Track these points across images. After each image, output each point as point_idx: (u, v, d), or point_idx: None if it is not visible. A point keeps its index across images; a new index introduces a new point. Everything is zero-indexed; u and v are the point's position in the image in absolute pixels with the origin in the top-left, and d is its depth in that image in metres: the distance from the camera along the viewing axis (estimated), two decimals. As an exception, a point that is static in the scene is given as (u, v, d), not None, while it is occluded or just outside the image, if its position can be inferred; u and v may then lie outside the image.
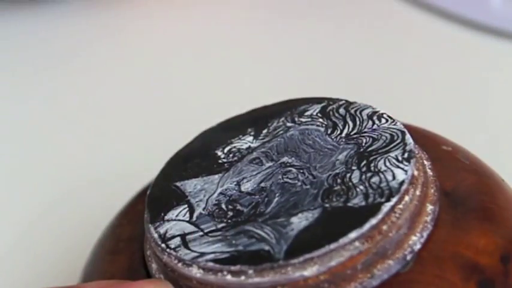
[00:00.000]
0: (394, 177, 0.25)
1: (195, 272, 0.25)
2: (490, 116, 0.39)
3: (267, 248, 0.24)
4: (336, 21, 0.43)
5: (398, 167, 0.26)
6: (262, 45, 0.44)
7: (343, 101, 0.29)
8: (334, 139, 0.27)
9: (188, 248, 0.25)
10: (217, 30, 0.44)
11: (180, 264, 0.25)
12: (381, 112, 0.28)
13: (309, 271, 0.24)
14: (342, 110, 0.28)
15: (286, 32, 0.44)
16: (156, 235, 0.26)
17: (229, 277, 0.24)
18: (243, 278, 0.24)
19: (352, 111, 0.28)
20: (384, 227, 0.24)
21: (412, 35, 0.43)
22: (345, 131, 0.28)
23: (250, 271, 0.24)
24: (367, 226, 0.24)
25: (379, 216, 0.24)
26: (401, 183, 0.25)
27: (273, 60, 0.41)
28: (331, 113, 0.29)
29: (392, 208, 0.25)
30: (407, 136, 0.27)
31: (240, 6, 0.40)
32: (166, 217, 0.26)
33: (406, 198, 0.25)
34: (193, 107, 0.38)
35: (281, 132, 0.28)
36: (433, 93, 0.38)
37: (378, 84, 0.41)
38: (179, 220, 0.26)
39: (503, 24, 0.42)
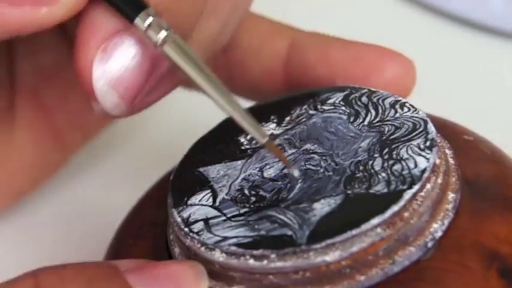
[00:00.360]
0: (416, 165, 0.26)
1: (218, 256, 0.25)
2: (490, 115, 0.39)
3: (289, 233, 0.25)
4: (335, 20, 0.43)
5: (420, 155, 0.26)
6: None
7: (366, 90, 0.29)
8: (357, 127, 0.28)
9: (211, 232, 0.25)
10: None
11: (203, 248, 0.25)
12: (403, 101, 0.28)
13: (331, 256, 0.24)
14: (364, 99, 0.29)
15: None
16: (179, 219, 0.26)
17: (251, 261, 0.25)
18: (265, 262, 0.24)
19: (375, 99, 0.29)
20: (406, 214, 0.25)
21: (411, 34, 0.43)
22: (368, 119, 0.28)
23: (273, 255, 0.24)
24: (389, 213, 0.24)
25: (401, 203, 0.25)
26: (423, 171, 0.25)
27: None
28: (353, 101, 0.29)
29: (414, 195, 0.25)
30: (430, 125, 0.27)
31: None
32: (189, 202, 0.27)
33: (428, 186, 0.25)
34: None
35: (304, 119, 0.29)
36: (433, 93, 0.38)
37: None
38: (202, 205, 0.27)
39: (503, 24, 0.42)
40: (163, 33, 0.26)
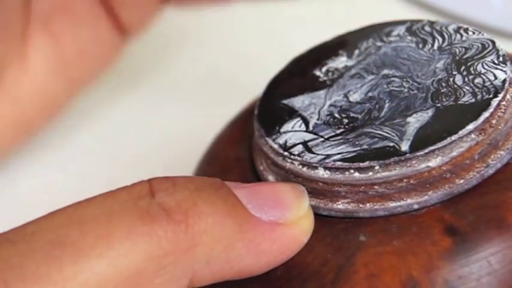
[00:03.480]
0: (495, 77, 0.27)
1: (322, 173, 0.27)
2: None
3: (391, 144, 0.26)
4: (336, 20, 0.44)
5: (497, 68, 0.28)
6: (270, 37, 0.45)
7: (426, 21, 0.31)
8: (428, 52, 0.29)
9: (312, 152, 0.27)
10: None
11: (305, 169, 0.27)
12: (465, 26, 0.30)
13: (433, 162, 0.26)
14: (427, 28, 0.30)
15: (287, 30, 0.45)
16: (276, 145, 0.28)
17: (356, 174, 0.26)
18: (370, 173, 0.26)
19: (438, 27, 0.30)
20: (494, 121, 0.27)
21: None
22: (436, 45, 0.30)
23: (377, 166, 0.26)
24: (481, 119, 0.26)
25: (491, 109, 0.26)
26: (504, 81, 0.27)
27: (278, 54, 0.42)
28: (417, 31, 0.30)
29: (499, 104, 0.27)
30: (498, 44, 0.29)
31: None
32: (281, 130, 0.28)
33: (508, 96, 0.27)
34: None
35: (373, 51, 0.30)
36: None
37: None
38: (296, 131, 0.28)
39: (503, 24, 0.43)
40: None
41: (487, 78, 0.28)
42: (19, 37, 0.36)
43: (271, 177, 0.28)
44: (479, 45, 0.29)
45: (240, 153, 0.30)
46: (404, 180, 0.26)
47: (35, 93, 0.37)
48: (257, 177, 0.29)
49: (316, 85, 0.30)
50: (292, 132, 0.28)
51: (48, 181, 0.37)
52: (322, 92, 0.29)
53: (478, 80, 0.28)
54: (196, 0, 0.36)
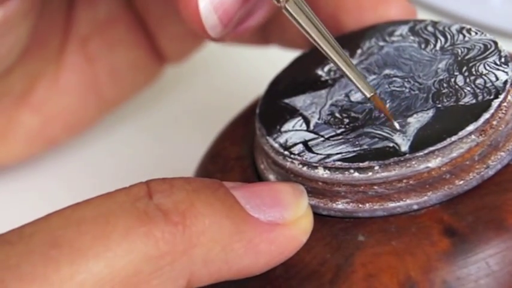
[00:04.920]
0: (497, 78, 0.27)
1: (322, 173, 0.27)
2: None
3: (391, 144, 0.26)
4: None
5: (498, 69, 0.28)
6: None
7: (429, 21, 0.31)
8: (430, 52, 0.29)
9: (312, 152, 0.27)
10: None
11: (305, 168, 0.27)
12: (468, 27, 0.30)
13: (433, 163, 0.26)
14: (430, 28, 0.30)
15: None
16: (276, 145, 0.28)
17: (356, 174, 0.26)
18: (370, 173, 0.26)
19: (441, 28, 0.30)
20: (494, 122, 0.27)
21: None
22: (439, 45, 0.30)
23: (377, 167, 0.26)
24: (482, 120, 0.26)
25: (491, 111, 0.26)
26: (505, 82, 0.27)
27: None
28: (420, 31, 0.30)
29: (500, 105, 0.27)
30: (500, 44, 0.29)
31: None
32: (282, 129, 0.28)
33: (509, 97, 0.27)
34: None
35: (376, 50, 0.30)
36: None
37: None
38: (297, 130, 0.28)
39: (503, 24, 0.43)
40: None
41: (489, 79, 0.28)
42: (55, 55, 0.37)
43: (271, 176, 0.29)
44: (482, 46, 0.29)
45: (241, 152, 0.31)
46: (404, 181, 0.26)
47: (64, 111, 0.37)
48: (258, 176, 0.29)
49: (318, 84, 0.30)
50: (293, 132, 0.28)
51: (47, 181, 0.38)
52: (323, 92, 0.29)
53: (479, 81, 0.28)
54: (237, 40, 0.36)
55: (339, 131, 0.28)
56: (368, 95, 0.27)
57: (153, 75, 0.39)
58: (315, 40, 0.28)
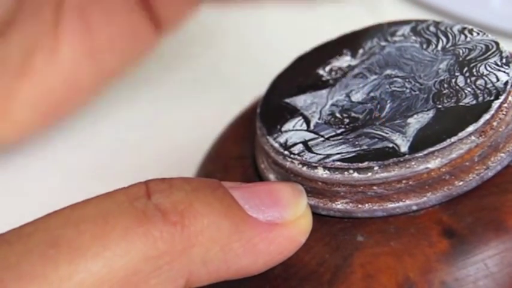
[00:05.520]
0: (498, 79, 0.27)
1: (321, 173, 0.27)
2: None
3: (391, 145, 0.26)
4: (336, 19, 0.44)
5: (499, 70, 0.28)
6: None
7: (431, 21, 0.31)
8: (431, 52, 0.29)
9: (312, 152, 0.27)
10: None
11: (305, 168, 0.27)
12: (470, 27, 0.30)
13: (432, 163, 0.26)
14: (432, 28, 0.30)
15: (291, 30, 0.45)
16: (276, 144, 0.28)
17: (355, 174, 0.26)
18: (369, 174, 0.26)
19: (442, 28, 0.30)
20: (495, 123, 0.27)
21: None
22: (440, 45, 0.30)
23: (376, 167, 0.26)
24: (482, 121, 0.26)
25: (492, 112, 0.26)
26: (506, 83, 0.27)
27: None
28: (422, 31, 0.30)
29: (500, 106, 0.27)
30: (502, 45, 0.29)
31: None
32: (283, 129, 0.28)
33: (510, 98, 0.27)
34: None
35: (377, 50, 0.30)
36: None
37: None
38: (297, 130, 0.28)
39: (503, 24, 0.43)
40: None
41: (489, 80, 0.28)
42: (51, 24, 0.36)
43: (272, 176, 0.29)
44: (483, 47, 0.29)
45: (242, 152, 0.31)
46: (403, 181, 0.26)
47: (63, 79, 0.37)
48: (259, 176, 0.29)
49: (319, 84, 0.30)
50: (293, 131, 0.28)
51: (47, 182, 0.38)
52: (324, 91, 0.29)
53: (480, 82, 0.28)
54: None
55: (339, 131, 0.28)
56: None
57: (151, 43, 0.39)
58: None
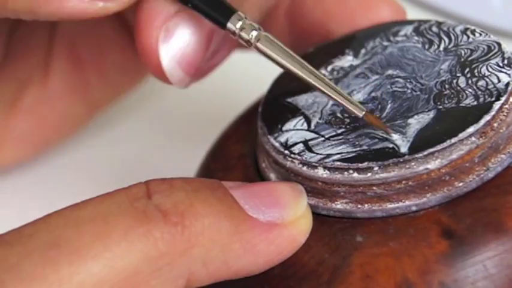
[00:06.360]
0: (499, 80, 0.28)
1: (321, 173, 0.27)
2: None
3: (391, 145, 0.26)
4: None
5: (501, 71, 0.28)
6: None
7: (433, 21, 0.31)
8: (433, 52, 0.30)
9: (313, 152, 0.27)
10: None
11: (305, 168, 0.27)
12: (472, 28, 0.30)
13: (432, 164, 0.26)
14: (434, 28, 0.30)
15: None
16: (277, 144, 0.28)
17: (355, 174, 0.26)
18: (369, 174, 0.26)
19: (445, 28, 0.30)
20: (495, 124, 0.27)
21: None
22: (442, 46, 0.30)
23: (376, 168, 0.26)
24: (482, 122, 0.26)
25: (492, 113, 0.27)
26: (507, 84, 0.27)
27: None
28: (424, 31, 0.31)
29: (501, 107, 0.27)
30: (504, 46, 0.29)
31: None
32: (284, 128, 0.28)
33: (511, 99, 0.27)
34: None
35: (379, 50, 0.30)
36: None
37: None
38: (298, 129, 0.28)
39: (503, 24, 0.43)
40: (254, 32, 0.29)
41: (491, 80, 0.28)
42: (42, 59, 0.37)
43: (272, 175, 0.29)
44: (485, 47, 0.29)
45: (243, 151, 0.31)
46: (403, 182, 0.26)
47: (54, 114, 0.37)
48: (259, 175, 0.30)
49: (320, 84, 0.30)
50: (294, 131, 0.28)
51: (47, 182, 0.38)
52: (326, 91, 0.30)
53: (481, 83, 0.28)
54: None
55: (339, 131, 0.28)
56: (360, 115, 0.27)
57: (142, 76, 0.39)
58: (293, 72, 0.28)
